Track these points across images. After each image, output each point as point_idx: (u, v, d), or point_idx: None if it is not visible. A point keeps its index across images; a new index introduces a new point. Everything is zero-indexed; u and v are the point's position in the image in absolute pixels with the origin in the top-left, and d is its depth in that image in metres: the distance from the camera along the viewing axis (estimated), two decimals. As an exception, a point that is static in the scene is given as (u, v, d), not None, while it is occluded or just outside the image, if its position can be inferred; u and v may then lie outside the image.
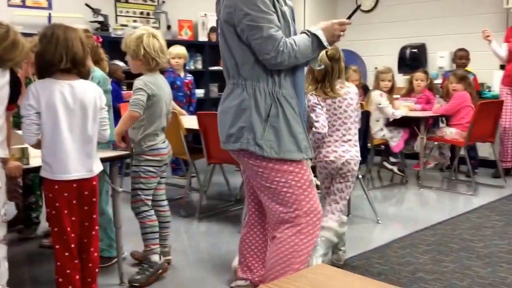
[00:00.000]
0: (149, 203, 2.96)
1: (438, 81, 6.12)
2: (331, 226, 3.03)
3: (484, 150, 5.62)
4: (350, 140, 3.03)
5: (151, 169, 2.92)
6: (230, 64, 2.25)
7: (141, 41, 2.82)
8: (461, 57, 5.70)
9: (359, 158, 3.08)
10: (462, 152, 5.14)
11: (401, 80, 6.14)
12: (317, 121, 2.91)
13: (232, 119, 2.25)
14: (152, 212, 2.97)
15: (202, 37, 6.65)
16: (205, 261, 3.29)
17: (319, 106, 2.92)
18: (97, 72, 2.95)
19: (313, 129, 2.92)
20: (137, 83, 2.85)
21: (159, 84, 2.91)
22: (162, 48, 2.89)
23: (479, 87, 5.81)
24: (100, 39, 3.19)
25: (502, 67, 5.64)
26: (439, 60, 6.35)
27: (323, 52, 2.72)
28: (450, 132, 5.05)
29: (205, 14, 6.64)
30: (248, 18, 2.11)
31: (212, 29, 6.67)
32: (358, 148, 3.08)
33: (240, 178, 4.86)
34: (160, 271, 2.95)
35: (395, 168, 5.47)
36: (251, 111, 2.20)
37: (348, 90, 3.03)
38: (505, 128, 5.41)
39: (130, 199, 2.97)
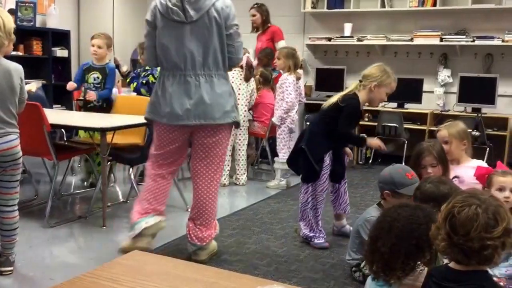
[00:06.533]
0: None
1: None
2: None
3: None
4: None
5: None
6: (213, 58, 2.82)
7: None
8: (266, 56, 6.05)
9: None
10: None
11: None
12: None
13: (226, 100, 2.89)
14: None
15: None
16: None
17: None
18: None
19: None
20: None
21: None
22: None
23: None
24: None
25: None
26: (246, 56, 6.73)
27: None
28: (254, 126, 5.47)
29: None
30: (237, 26, 2.87)
31: None
32: None
33: (44, 171, 4.61)
34: None
35: None
36: (235, 95, 3.00)
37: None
38: None
39: None
